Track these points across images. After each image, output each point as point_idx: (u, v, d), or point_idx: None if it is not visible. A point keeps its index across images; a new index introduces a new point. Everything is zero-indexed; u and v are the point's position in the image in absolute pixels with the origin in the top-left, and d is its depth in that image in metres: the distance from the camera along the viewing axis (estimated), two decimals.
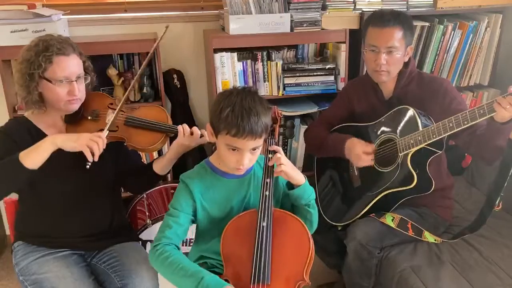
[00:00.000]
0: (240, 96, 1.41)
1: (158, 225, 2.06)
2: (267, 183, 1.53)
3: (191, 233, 1.67)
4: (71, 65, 1.65)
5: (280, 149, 1.55)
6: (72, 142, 1.56)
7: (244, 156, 1.43)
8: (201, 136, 1.77)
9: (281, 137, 2.63)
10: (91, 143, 1.56)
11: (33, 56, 1.61)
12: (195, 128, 1.77)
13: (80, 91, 1.68)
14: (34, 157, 1.54)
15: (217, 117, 1.41)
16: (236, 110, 1.38)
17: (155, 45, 1.93)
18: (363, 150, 1.99)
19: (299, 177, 1.56)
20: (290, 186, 1.59)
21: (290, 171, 1.53)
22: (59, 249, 1.76)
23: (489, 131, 1.77)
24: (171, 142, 1.84)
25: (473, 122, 1.71)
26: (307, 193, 1.58)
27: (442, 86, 1.99)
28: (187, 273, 1.41)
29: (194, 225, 1.64)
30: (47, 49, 1.61)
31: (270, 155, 1.55)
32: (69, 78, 1.64)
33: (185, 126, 1.76)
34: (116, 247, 1.83)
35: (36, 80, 1.62)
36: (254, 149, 1.45)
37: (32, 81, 1.62)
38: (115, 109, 1.77)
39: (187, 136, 1.75)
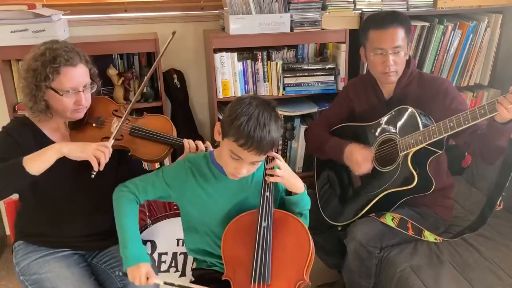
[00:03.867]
0: (258, 109, 1.38)
1: (158, 225, 2.07)
2: (267, 184, 1.53)
3: None
4: (78, 76, 1.64)
5: (279, 156, 1.54)
6: (79, 152, 1.54)
7: (243, 166, 1.43)
8: (206, 150, 1.75)
9: (281, 138, 2.63)
10: (97, 153, 1.54)
11: (40, 67, 1.59)
12: (199, 143, 1.76)
13: (86, 100, 1.67)
14: (38, 164, 1.52)
15: (230, 122, 1.39)
16: (250, 122, 1.36)
17: (162, 52, 1.88)
18: (362, 157, 1.99)
19: (297, 185, 1.56)
20: (288, 191, 1.59)
21: (287, 179, 1.54)
22: (59, 249, 1.76)
23: (490, 131, 1.77)
24: (173, 153, 1.83)
25: (474, 122, 1.71)
26: (303, 202, 1.59)
27: (443, 86, 1.99)
28: (121, 233, 1.55)
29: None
30: (54, 59, 1.58)
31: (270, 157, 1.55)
32: (76, 88, 1.63)
33: (191, 142, 1.75)
34: (117, 247, 1.80)
35: (43, 91, 1.61)
36: (255, 162, 1.45)
37: (39, 91, 1.60)
38: (119, 116, 1.76)
39: (192, 152, 1.74)
